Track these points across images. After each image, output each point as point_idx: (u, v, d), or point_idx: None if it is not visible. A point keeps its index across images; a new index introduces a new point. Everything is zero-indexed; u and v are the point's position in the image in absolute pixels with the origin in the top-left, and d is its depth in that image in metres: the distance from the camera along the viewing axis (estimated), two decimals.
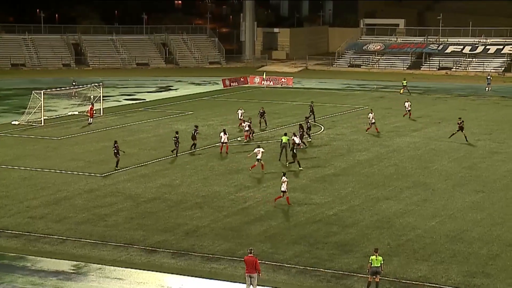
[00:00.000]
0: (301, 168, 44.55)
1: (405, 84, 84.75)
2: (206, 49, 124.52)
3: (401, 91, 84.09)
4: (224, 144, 49.39)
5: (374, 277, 26.63)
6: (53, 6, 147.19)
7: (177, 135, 47.81)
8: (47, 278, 27.66)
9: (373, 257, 26.69)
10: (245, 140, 53.15)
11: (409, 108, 64.69)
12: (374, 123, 57.18)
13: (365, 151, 50.46)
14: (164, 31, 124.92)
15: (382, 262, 26.67)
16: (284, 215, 35.59)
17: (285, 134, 47.56)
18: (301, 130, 51.00)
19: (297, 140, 47.15)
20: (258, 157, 43.75)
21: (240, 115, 59.94)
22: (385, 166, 45.85)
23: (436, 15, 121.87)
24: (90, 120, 60.68)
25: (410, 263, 29.28)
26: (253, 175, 43.15)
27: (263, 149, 44.56)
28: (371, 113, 57.65)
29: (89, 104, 66.89)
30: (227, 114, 66.80)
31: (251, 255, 26.06)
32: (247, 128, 53.71)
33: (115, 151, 44.43)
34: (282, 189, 36.84)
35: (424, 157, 48.86)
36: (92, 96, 68.91)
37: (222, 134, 49.67)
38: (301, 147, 49.62)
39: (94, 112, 61.60)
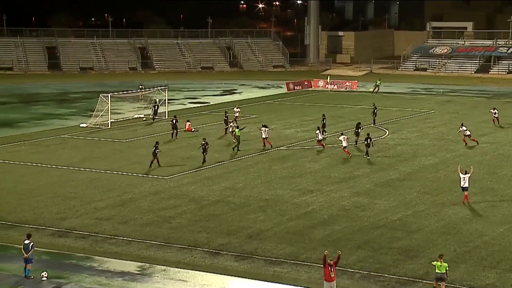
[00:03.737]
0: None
1: (378, 84, 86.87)
2: (270, 52, 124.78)
3: (372, 90, 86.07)
4: (265, 139, 51.71)
5: (439, 283, 26.22)
6: (120, 11, 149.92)
7: (203, 142, 47.16)
8: (113, 278, 28.10)
9: (438, 263, 26.33)
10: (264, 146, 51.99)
11: (496, 115, 62.31)
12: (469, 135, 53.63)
13: (431, 156, 49.70)
14: (228, 35, 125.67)
15: (447, 268, 26.24)
16: (348, 219, 35.31)
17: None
18: (358, 129, 52.93)
19: (344, 143, 49.08)
20: (263, 136, 51.38)
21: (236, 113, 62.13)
22: (451, 171, 44.95)
23: (506, 17, 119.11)
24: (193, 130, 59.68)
25: (478, 270, 28.68)
26: (316, 179, 43.00)
27: (269, 128, 52.50)
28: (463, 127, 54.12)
29: (152, 108, 67.86)
30: (291, 117, 66.75)
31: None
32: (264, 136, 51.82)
33: (155, 151, 45.51)
34: (464, 185, 37.37)
35: (492, 163, 47.83)
36: (157, 100, 69.79)
37: (263, 129, 51.99)
38: (349, 155, 49.39)
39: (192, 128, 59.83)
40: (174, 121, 56.96)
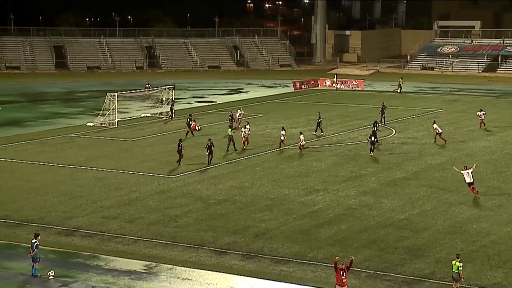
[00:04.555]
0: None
1: (401, 83, 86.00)
2: (277, 51, 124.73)
3: (399, 90, 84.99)
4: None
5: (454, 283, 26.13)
6: (127, 10, 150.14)
7: (209, 143, 46.43)
8: (120, 277, 28.14)
9: (453, 262, 26.24)
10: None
11: (482, 118, 59.76)
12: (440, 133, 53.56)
13: (438, 155, 49.60)
14: (235, 34, 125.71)
15: (459, 268, 26.15)
16: (354, 218, 35.28)
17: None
18: (375, 127, 52.56)
19: (302, 142, 50.39)
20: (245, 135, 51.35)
21: (238, 114, 61.42)
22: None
23: None
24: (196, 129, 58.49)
25: (484, 270, 28.60)
26: (323, 178, 42.99)
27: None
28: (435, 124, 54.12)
29: (161, 106, 68.20)
30: (297, 116, 66.69)
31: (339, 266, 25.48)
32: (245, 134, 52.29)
33: (180, 148, 46.07)
34: (471, 180, 38.19)
35: (499, 162, 47.71)
36: (164, 99, 70.00)
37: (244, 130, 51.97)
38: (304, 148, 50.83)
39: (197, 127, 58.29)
40: (188, 119, 57.28)
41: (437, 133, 53.38)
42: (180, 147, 46.22)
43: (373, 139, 49.48)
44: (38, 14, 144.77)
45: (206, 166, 45.88)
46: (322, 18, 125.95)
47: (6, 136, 57.33)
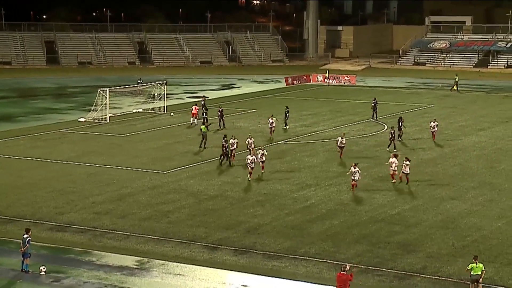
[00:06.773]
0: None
1: (457, 80, 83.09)
2: (269, 47, 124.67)
3: (455, 88, 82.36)
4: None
5: (475, 284, 25.95)
6: (119, 5, 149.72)
7: (224, 143, 45.35)
8: (112, 273, 28.11)
9: (473, 264, 25.96)
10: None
11: (435, 129, 53.38)
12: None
13: (429, 150, 49.72)
14: (227, 29, 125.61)
15: (483, 269, 25.88)
16: (346, 214, 35.35)
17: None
18: (400, 123, 52.96)
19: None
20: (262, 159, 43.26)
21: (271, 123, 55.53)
22: (450, 166, 45.07)
23: (505, 11, 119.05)
24: (193, 120, 60.03)
25: None
26: (315, 174, 43.03)
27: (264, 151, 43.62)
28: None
29: (153, 102, 68.04)
30: (289, 112, 66.57)
31: (344, 272, 24.46)
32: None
33: (224, 145, 45.03)
34: (355, 177, 39.22)
35: (490, 157, 47.86)
36: (156, 94, 69.88)
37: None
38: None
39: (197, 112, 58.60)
40: (204, 114, 57.78)
41: (341, 147, 47.96)
42: (225, 144, 45.26)
43: (392, 135, 49.44)
44: (29, 9, 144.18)
45: (202, 160, 45.66)
46: (314, 13, 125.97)
47: None
